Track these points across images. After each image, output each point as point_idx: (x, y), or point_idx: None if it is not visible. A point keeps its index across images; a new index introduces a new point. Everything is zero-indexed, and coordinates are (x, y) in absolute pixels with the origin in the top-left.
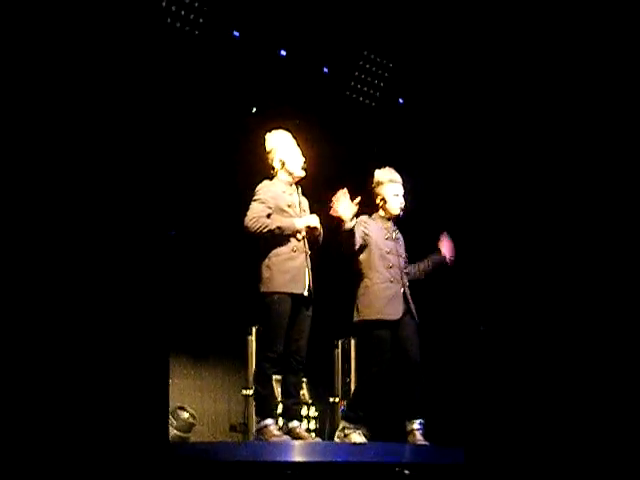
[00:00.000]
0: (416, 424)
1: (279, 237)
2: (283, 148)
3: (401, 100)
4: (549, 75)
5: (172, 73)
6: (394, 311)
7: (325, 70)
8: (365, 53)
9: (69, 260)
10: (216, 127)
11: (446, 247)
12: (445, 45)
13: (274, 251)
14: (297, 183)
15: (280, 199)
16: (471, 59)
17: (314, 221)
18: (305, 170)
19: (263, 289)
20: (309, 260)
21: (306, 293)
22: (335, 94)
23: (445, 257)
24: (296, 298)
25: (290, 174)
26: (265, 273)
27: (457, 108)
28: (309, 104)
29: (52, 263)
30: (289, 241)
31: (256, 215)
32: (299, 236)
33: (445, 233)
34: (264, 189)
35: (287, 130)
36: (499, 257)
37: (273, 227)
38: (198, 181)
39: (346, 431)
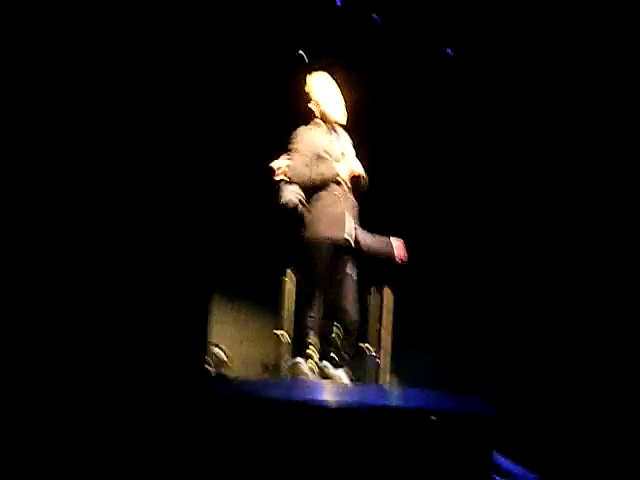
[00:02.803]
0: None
1: (321, 184)
2: (321, 91)
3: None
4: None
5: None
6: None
7: (376, 17)
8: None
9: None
10: (263, 68)
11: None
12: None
13: (316, 195)
14: (341, 128)
15: (317, 145)
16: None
17: (356, 167)
18: (344, 116)
19: (303, 233)
20: (354, 208)
21: (347, 237)
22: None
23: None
24: (338, 247)
25: (327, 118)
26: (306, 217)
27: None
28: (358, 52)
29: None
30: (331, 187)
31: (294, 165)
32: (340, 180)
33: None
34: (299, 137)
35: (330, 74)
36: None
37: (313, 175)
38: (241, 120)
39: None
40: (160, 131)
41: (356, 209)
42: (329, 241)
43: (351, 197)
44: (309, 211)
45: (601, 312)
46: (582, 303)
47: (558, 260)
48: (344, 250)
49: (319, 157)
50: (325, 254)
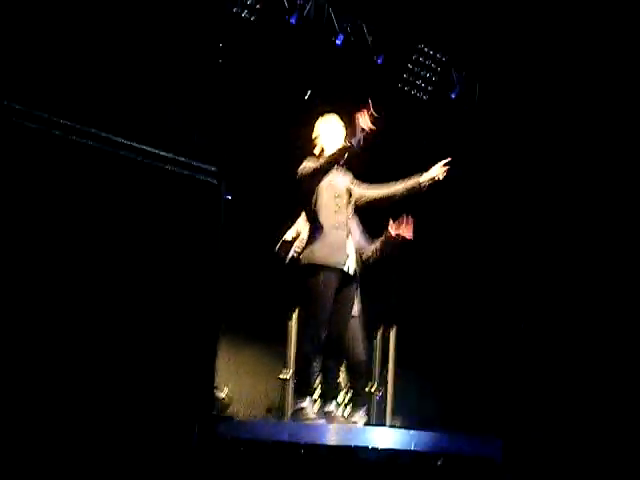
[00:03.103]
0: (357, 414)
1: (324, 209)
2: (327, 135)
3: (453, 95)
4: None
5: (230, 57)
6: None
7: (379, 61)
8: (420, 46)
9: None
10: (272, 107)
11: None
12: (499, 41)
13: (317, 224)
14: (343, 168)
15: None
16: (525, 55)
17: (367, 122)
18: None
19: (304, 261)
20: (351, 239)
21: (346, 269)
22: (388, 85)
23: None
24: (341, 277)
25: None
26: (308, 245)
27: (511, 105)
28: (361, 93)
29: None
30: (332, 217)
31: (306, 164)
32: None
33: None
34: (304, 163)
35: (338, 116)
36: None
37: (323, 161)
38: (249, 161)
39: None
40: (170, 171)
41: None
42: (332, 272)
43: (350, 229)
44: (310, 239)
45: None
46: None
47: (557, 303)
48: (348, 281)
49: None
50: (326, 282)
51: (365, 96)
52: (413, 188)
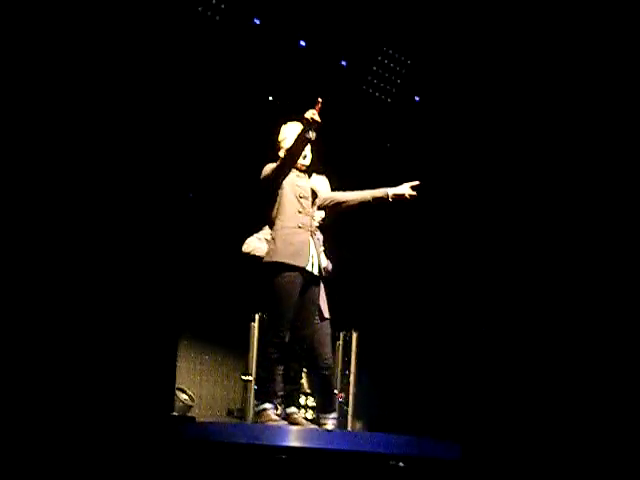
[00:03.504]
0: (330, 418)
1: (288, 209)
2: (291, 139)
3: (417, 98)
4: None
5: (192, 55)
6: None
7: (343, 63)
8: (384, 49)
9: (79, 234)
10: (240, 112)
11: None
12: (462, 44)
13: (280, 224)
14: (306, 174)
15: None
16: (487, 58)
17: (310, 113)
18: (305, 158)
19: (266, 259)
20: (317, 239)
21: (310, 269)
22: (352, 88)
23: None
24: (305, 277)
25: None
26: (270, 244)
27: (471, 108)
28: (326, 95)
29: (64, 237)
30: (295, 217)
31: (269, 166)
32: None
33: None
34: (268, 165)
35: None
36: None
37: (283, 155)
38: (209, 166)
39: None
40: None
41: (320, 243)
42: (297, 272)
43: (315, 230)
44: (273, 239)
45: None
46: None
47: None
48: (313, 282)
49: (294, 197)
50: (290, 282)
51: (329, 98)
52: (380, 198)
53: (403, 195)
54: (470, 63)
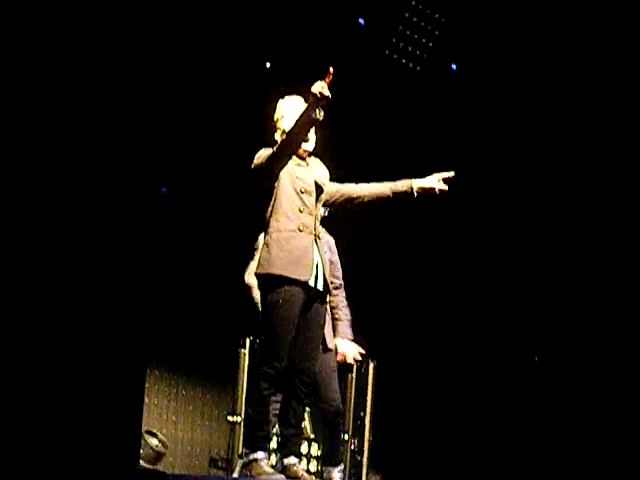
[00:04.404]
0: (336, 472)
1: (286, 207)
2: (291, 118)
3: (454, 66)
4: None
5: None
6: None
7: (361, 21)
8: (412, 3)
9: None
10: (224, 83)
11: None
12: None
13: (276, 226)
14: (312, 158)
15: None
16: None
17: (319, 86)
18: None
19: (258, 270)
20: (321, 246)
21: (313, 283)
22: (372, 53)
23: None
24: (307, 293)
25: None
26: (263, 252)
27: (520, 79)
28: (338, 62)
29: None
30: (295, 217)
31: (261, 153)
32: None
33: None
34: (262, 151)
35: (303, 97)
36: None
37: (281, 140)
38: (187, 153)
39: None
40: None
41: (327, 250)
42: (297, 287)
43: (319, 234)
44: (266, 245)
45: None
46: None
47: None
48: (316, 299)
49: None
50: (288, 299)
51: (343, 65)
52: (403, 193)
53: (432, 189)
54: (519, 22)
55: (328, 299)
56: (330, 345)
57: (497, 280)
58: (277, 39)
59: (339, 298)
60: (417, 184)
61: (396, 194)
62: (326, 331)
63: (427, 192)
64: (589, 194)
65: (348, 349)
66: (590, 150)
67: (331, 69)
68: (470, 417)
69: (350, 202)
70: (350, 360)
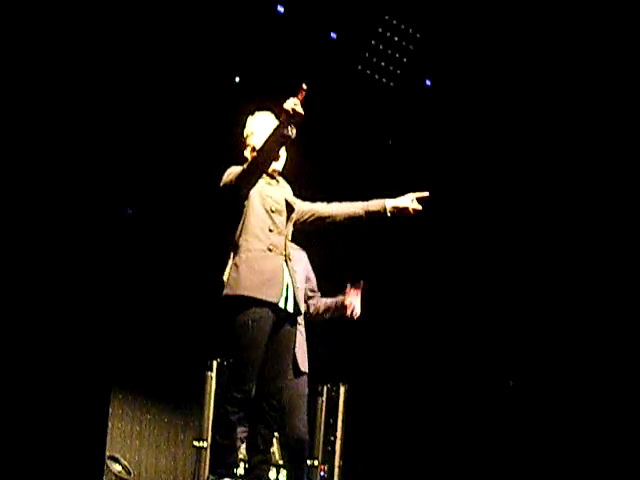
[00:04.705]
0: None
1: (256, 226)
2: (261, 134)
3: (428, 82)
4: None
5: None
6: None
7: (333, 35)
8: (386, 17)
9: None
10: (193, 97)
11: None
12: (486, 11)
13: (246, 246)
14: (280, 177)
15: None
16: (516, 29)
17: (291, 103)
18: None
19: (226, 292)
20: (291, 267)
21: (283, 305)
22: (344, 68)
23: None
24: (277, 315)
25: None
26: (232, 273)
27: (496, 94)
28: (310, 77)
29: None
30: (265, 237)
31: (231, 170)
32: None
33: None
34: (231, 168)
35: (274, 113)
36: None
37: (252, 158)
38: (152, 171)
39: None
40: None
41: (302, 268)
42: (267, 308)
43: (290, 255)
44: (235, 265)
45: None
46: None
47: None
48: (286, 321)
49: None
50: (257, 321)
51: (315, 80)
52: (376, 212)
53: (406, 209)
54: (495, 36)
55: (300, 320)
56: (302, 368)
57: (471, 303)
58: (247, 53)
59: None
60: (390, 204)
61: (369, 214)
62: (299, 354)
63: (401, 212)
64: (565, 215)
65: (402, 201)
66: (571, 166)
67: (304, 86)
68: (443, 442)
69: (321, 221)
70: (412, 207)
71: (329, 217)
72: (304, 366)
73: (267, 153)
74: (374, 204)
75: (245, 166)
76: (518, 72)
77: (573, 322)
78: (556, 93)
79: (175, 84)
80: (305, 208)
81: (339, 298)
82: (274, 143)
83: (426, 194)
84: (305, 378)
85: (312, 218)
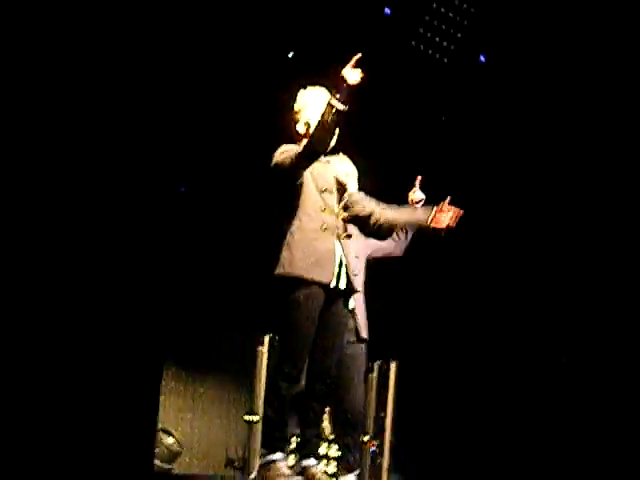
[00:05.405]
0: (352, 478)
1: (308, 207)
2: (313, 108)
3: (483, 58)
4: None
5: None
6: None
7: (387, 11)
8: None
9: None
10: (245, 73)
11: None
12: None
13: (298, 225)
14: (338, 155)
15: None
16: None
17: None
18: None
19: (279, 271)
20: (347, 246)
21: (335, 284)
22: (398, 43)
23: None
24: (328, 293)
25: None
26: (284, 252)
27: (554, 71)
28: (363, 53)
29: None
30: (318, 217)
31: (284, 149)
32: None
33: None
34: (284, 147)
35: (328, 88)
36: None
37: (309, 139)
38: (205, 149)
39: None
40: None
41: (354, 246)
42: (318, 287)
43: (343, 234)
44: (288, 244)
45: None
46: None
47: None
48: (338, 298)
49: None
50: (309, 300)
51: (367, 55)
52: (418, 226)
53: (442, 228)
54: (549, 13)
55: (359, 287)
56: (363, 334)
57: (517, 281)
58: (301, 29)
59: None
60: (430, 221)
61: (410, 224)
62: (360, 320)
63: (439, 231)
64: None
65: (439, 219)
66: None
67: (358, 54)
68: (494, 419)
69: (366, 222)
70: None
71: (373, 218)
72: (364, 332)
73: (325, 132)
74: (416, 216)
75: (301, 149)
76: (573, 49)
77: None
78: (614, 74)
79: (228, 59)
80: (357, 199)
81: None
82: (329, 119)
83: (459, 212)
84: (364, 347)
85: (355, 212)
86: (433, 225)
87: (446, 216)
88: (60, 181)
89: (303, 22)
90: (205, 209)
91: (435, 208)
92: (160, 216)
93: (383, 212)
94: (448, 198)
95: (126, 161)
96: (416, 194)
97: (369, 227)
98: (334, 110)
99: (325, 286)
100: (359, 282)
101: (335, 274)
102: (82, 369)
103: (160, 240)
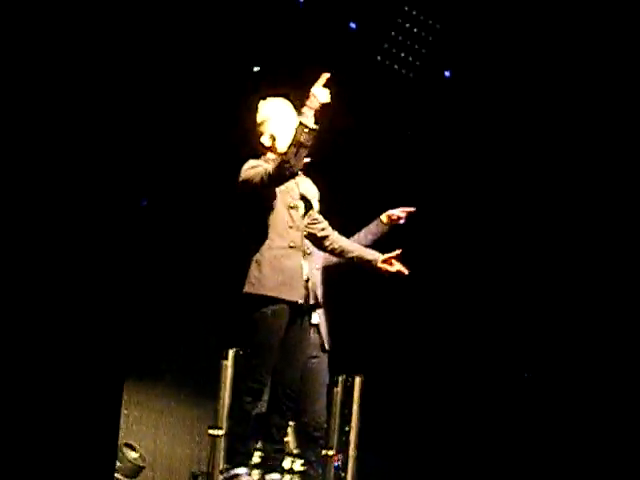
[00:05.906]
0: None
1: (277, 223)
2: (278, 120)
3: (447, 73)
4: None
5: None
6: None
7: (352, 26)
8: (405, 8)
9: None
10: (208, 86)
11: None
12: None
13: (267, 243)
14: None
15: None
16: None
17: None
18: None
19: (248, 289)
20: (311, 261)
21: (302, 300)
22: (363, 58)
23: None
24: (294, 309)
25: (281, 155)
26: (254, 271)
27: (519, 86)
28: (328, 67)
29: None
30: (286, 234)
31: (253, 164)
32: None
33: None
34: (253, 162)
35: (289, 99)
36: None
37: (282, 157)
38: (167, 161)
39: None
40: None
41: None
42: (285, 305)
43: (308, 250)
44: (257, 263)
45: None
46: None
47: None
48: (303, 313)
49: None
50: (276, 317)
51: (333, 71)
52: (366, 264)
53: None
54: (514, 27)
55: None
56: (327, 347)
57: (487, 294)
58: (265, 43)
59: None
60: (379, 261)
61: (359, 259)
62: (323, 333)
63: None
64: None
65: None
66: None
67: (326, 74)
68: (459, 433)
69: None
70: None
71: (329, 244)
72: (327, 344)
73: (300, 150)
74: (367, 254)
75: (274, 169)
76: (538, 64)
77: (589, 313)
78: (580, 87)
79: (192, 73)
80: (319, 226)
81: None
82: (305, 138)
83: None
84: (326, 359)
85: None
86: (382, 268)
87: (395, 266)
88: (17, 192)
89: (269, 36)
90: (168, 222)
91: (386, 256)
92: (122, 231)
93: (337, 239)
94: (399, 251)
95: (90, 173)
96: (397, 212)
97: (321, 248)
98: (307, 130)
99: (293, 303)
100: (320, 295)
101: (304, 293)
102: (41, 381)
103: (123, 253)
